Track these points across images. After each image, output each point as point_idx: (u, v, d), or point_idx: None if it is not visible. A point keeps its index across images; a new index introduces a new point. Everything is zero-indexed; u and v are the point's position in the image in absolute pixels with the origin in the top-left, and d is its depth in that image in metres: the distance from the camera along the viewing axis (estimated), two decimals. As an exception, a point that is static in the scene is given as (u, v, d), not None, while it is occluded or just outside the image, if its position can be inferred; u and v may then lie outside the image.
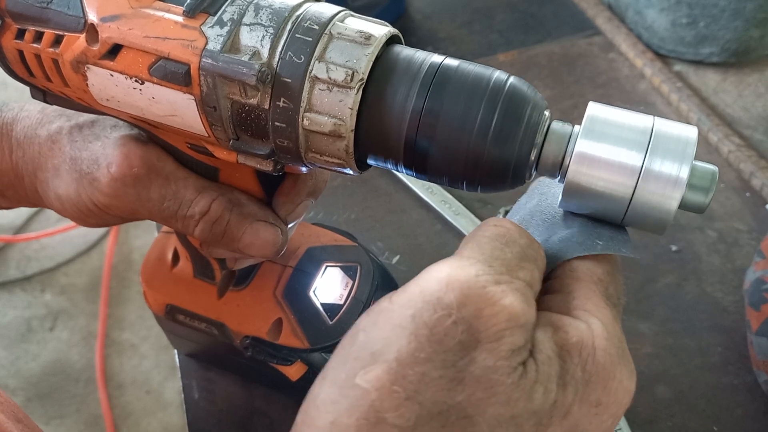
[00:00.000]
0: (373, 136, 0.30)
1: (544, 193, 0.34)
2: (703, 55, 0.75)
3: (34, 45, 0.34)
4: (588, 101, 0.30)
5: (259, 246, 0.38)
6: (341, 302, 0.46)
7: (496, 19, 0.86)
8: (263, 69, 0.29)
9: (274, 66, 0.29)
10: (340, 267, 0.47)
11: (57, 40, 0.33)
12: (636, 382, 0.26)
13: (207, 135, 0.32)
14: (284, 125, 0.30)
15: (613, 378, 0.25)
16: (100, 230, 1.57)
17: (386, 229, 0.63)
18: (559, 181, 0.30)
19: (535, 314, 0.25)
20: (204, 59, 0.29)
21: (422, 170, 0.31)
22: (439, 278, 0.24)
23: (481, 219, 0.62)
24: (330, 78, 0.29)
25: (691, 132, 0.28)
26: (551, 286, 0.28)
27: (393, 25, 0.31)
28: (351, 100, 0.29)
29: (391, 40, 0.31)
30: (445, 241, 0.61)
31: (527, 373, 0.24)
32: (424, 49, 0.31)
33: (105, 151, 0.37)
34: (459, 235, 0.61)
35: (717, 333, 0.55)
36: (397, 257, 0.60)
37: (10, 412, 0.34)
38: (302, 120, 0.30)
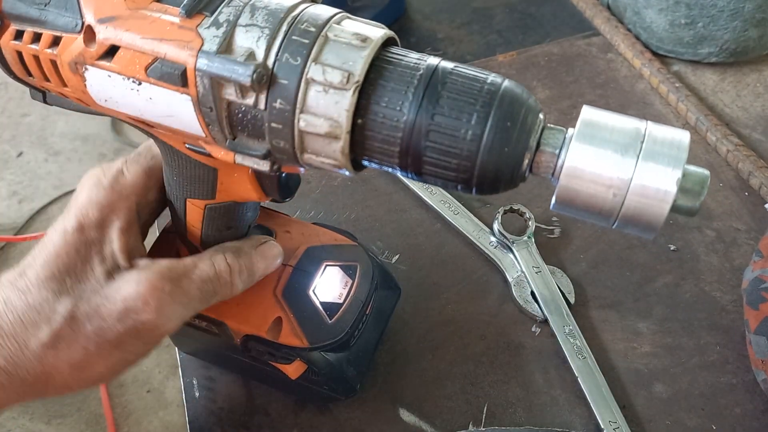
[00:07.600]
0: (369, 138, 0.30)
1: None
2: (701, 55, 0.75)
3: (33, 46, 0.34)
4: (586, 101, 0.30)
5: (270, 264, 0.44)
6: (341, 301, 0.46)
7: (495, 19, 0.86)
8: (258, 70, 0.29)
9: (270, 67, 0.29)
10: (340, 266, 0.47)
11: (55, 42, 0.33)
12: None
13: (204, 135, 0.33)
14: (280, 126, 0.30)
15: None
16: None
17: (386, 228, 0.63)
18: (552, 184, 0.30)
19: None
20: (200, 60, 0.30)
21: (417, 172, 0.31)
22: None
23: (481, 219, 0.62)
24: (326, 80, 0.29)
25: (683, 136, 0.28)
26: None
27: (392, 25, 0.31)
28: (347, 102, 0.29)
29: (388, 42, 0.31)
30: (444, 240, 0.62)
31: None
32: (423, 49, 0.31)
33: (124, 298, 0.36)
34: (458, 235, 0.61)
35: (715, 332, 0.55)
36: (397, 256, 0.60)
37: None
38: (298, 121, 0.30)
